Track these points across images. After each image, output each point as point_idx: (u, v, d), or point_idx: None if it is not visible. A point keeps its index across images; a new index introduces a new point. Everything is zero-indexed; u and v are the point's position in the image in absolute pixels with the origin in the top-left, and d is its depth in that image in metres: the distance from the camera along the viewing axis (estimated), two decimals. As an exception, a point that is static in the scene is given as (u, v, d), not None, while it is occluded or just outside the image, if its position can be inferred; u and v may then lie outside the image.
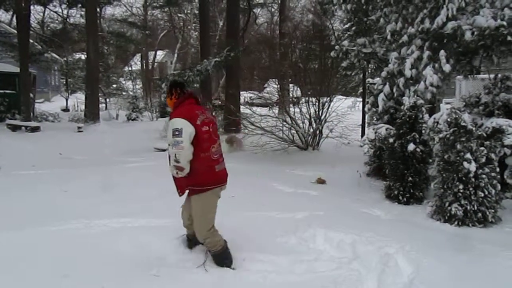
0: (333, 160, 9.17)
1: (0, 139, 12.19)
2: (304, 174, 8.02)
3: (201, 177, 3.54)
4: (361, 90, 12.78)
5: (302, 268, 3.75)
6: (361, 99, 13.14)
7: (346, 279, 3.55)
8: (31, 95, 17.22)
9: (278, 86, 12.69)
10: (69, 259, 3.76)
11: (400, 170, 6.21)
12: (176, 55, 38.63)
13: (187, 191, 3.72)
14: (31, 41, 18.69)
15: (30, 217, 4.95)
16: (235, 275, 3.56)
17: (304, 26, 23.56)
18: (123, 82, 33.60)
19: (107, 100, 27.84)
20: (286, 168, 8.63)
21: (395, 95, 6.90)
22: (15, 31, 18.53)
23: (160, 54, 43.90)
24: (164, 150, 3.56)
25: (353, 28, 9.69)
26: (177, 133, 3.37)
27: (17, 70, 16.35)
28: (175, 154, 3.39)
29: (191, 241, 3.98)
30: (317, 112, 10.52)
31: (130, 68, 38.49)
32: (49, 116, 18.97)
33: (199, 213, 3.67)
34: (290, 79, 12.73)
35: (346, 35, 10.08)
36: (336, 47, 8.94)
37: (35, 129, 14.07)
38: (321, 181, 7.45)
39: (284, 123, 10.67)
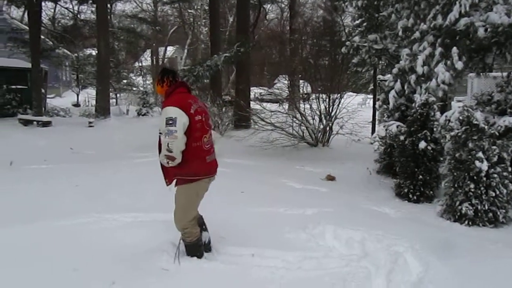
0: (343, 157, 9.15)
1: (12, 133, 12.34)
2: (313, 171, 8.02)
3: (191, 167, 3.51)
4: (371, 86, 12.71)
5: (311, 265, 3.75)
6: (371, 96, 13.07)
7: (355, 276, 3.54)
8: (43, 90, 17.40)
9: (288, 82, 12.66)
10: (79, 253, 3.81)
11: (411, 168, 6.18)
12: (186, 50, 38.73)
13: (174, 181, 3.67)
14: (42, 37, 18.83)
15: (40, 211, 5.02)
16: (244, 271, 3.57)
17: (315, 22, 23.52)
18: (134, 77, 33.73)
19: (118, 95, 27.98)
20: (295, 165, 8.63)
21: (406, 92, 6.84)
22: (27, 27, 18.70)
23: (170, 49, 44.07)
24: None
25: (364, 24, 9.64)
26: (170, 122, 3.34)
27: (29, 65, 16.51)
28: (167, 144, 3.35)
29: (205, 230, 3.98)
30: (327, 109, 10.49)
31: (140, 64, 38.70)
32: (60, 111, 19.14)
33: (183, 203, 3.64)
34: (300, 75, 12.70)
35: (357, 31, 10.03)
36: (347, 43, 8.90)
37: (46, 124, 14.20)
38: (330, 178, 7.44)
39: (294, 119, 10.66)
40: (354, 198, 6.23)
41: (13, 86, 16.49)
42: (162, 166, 3.65)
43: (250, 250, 3.92)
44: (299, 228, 4.57)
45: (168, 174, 3.65)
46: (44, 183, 6.52)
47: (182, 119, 3.37)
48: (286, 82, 12.83)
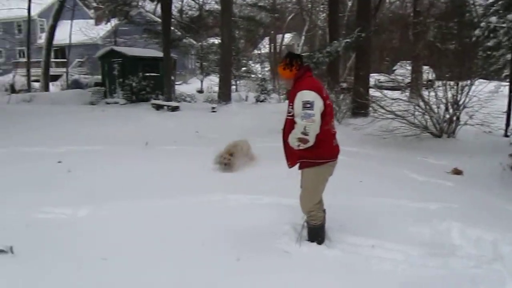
0: (471, 150, 8.44)
1: (146, 116, 13.67)
2: (437, 163, 7.54)
3: (319, 150, 3.53)
4: (506, 72, 11.43)
5: (435, 262, 3.57)
6: (507, 83, 11.76)
7: (486, 279, 3.29)
8: (172, 77, 18.88)
9: (411, 67, 11.98)
10: (206, 229, 4.13)
11: (556, 165, 5.49)
12: (303, 37, 38.74)
13: (297, 164, 3.71)
14: (172, 28, 20.32)
15: (175, 187, 5.52)
16: (365, 261, 3.54)
17: (441, 2, 21.73)
18: (252, 64, 34.77)
19: (237, 82, 29.15)
20: (417, 156, 8.19)
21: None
22: (159, 20, 20.37)
23: (287, 36, 44.44)
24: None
25: (500, 2, 8.66)
26: (308, 105, 3.37)
27: (161, 55, 18.04)
28: (304, 127, 3.38)
29: None
30: (454, 97, 9.71)
31: (259, 51, 39.73)
32: (187, 97, 20.65)
33: (310, 186, 3.69)
34: (424, 61, 11.94)
35: (492, 10, 9.07)
36: (482, 24, 8.11)
37: (175, 109, 15.43)
38: (457, 172, 6.93)
39: (417, 107, 10.08)
40: (484, 195, 5.72)
41: (148, 74, 18.20)
42: (286, 148, 3.74)
43: (370, 241, 3.87)
44: (422, 222, 4.37)
45: (292, 156, 3.72)
46: (176, 162, 7.12)
47: (319, 102, 3.42)
48: (408, 68, 12.19)
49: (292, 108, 3.52)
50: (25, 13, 26.70)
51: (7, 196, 5.10)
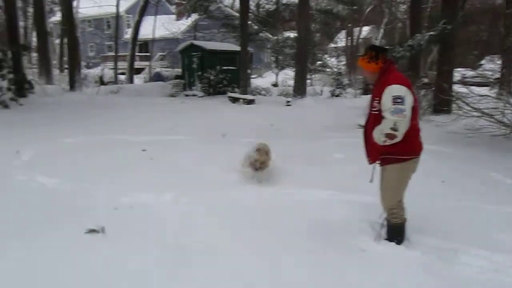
0: None
1: (223, 109, 14.05)
2: (531, 166, 6.97)
3: (405, 146, 3.42)
4: None
5: (526, 273, 3.33)
6: None
7: None
8: (248, 71, 19.19)
9: (501, 62, 11.14)
10: (281, 220, 4.18)
11: None
12: (382, 30, 37.49)
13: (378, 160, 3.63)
14: (249, 22, 20.62)
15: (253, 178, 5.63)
16: (448, 266, 3.39)
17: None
18: (328, 58, 34.29)
19: (312, 76, 28.92)
20: (507, 157, 7.64)
21: None
22: (237, 14, 20.75)
23: (365, 30, 43.26)
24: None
25: None
26: (399, 100, 3.27)
27: (238, 49, 18.40)
28: (395, 122, 3.28)
29: None
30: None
31: (335, 45, 39.08)
32: (262, 90, 20.89)
33: (393, 183, 3.58)
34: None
35: None
36: None
37: (250, 102, 15.69)
38: (552, 176, 6.36)
39: (507, 105, 9.36)
40: None
41: (225, 67, 18.65)
42: (367, 144, 3.68)
43: (452, 245, 3.69)
44: (510, 228, 4.09)
45: (374, 152, 3.64)
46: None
47: (409, 98, 3.33)
48: (498, 62, 11.34)
49: (378, 103, 3.43)
50: (114, 9, 28.53)
51: (98, 180, 5.51)
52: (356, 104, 14.77)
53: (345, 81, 23.53)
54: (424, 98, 12.40)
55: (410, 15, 17.57)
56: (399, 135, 3.33)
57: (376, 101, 3.47)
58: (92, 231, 3.85)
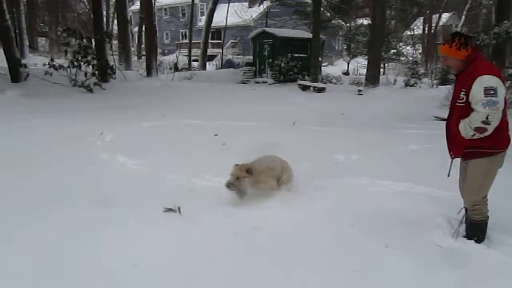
0: None
1: (293, 96, 14.04)
2: None
3: (493, 139, 3.21)
4: None
5: None
6: None
7: None
8: (320, 59, 18.95)
9: None
10: (356, 211, 4.12)
11: None
12: (463, 17, 35.26)
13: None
14: (321, 9, 20.30)
15: (324, 168, 5.59)
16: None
17: None
18: (403, 46, 32.92)
19: (386, 65, 27.98)
20: None
21: None
22: (309, 1, 20.50)
23: (444, 16, 40.95)
24: (445, 120, 3.36)
25: None
26: (492, 92, 3.06)
27: (309, 36, 18.21)
28: (487, 115, 3.08)
29: None
30: None
31: (411, 33, 37.38)
32: (332, 78, 20.56)
33: (478, 178, 3.37)
34: None
35: None
36: None
37: (321, 90, 15.52)
38: None
39: None
40: None
41: (296, 55, 18.56)
42: (451, 137, 3.50)
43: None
44: None
45: (458, 146, 3.44)
46: (321, 143, 7.16)
47: (502, 90, 3.13)
48: None
49: (466, 94, 3.23)
50: (189, -2, 29.33)
51: (173, 162, 5.76)
52: (432, 95, 14.12)
53: (421, 70, 22.47)
54: (509, 91, 11.54)
55: (497, 1, 16.36)
56: (490, 129, 3.14)
57: (462, 93, 3.27)
58: (169, 210, 4.03)
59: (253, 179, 4.41)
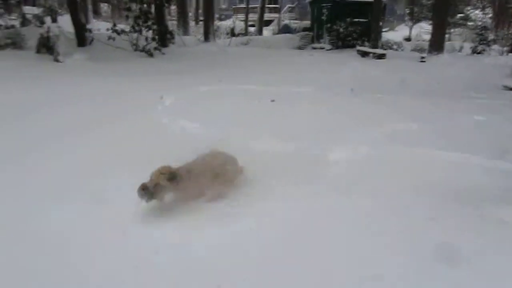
0: None
1: (351, 62, 13.66)
2: None
3: None
4: None
5: None
6: None
7: None
8: (380, 23, 18.20)
9: None
10: (406, 184, 4.04)
11: None
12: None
13: None
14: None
15: (381, 136, 5.49)
16: None
17: None
18: (470, 10, 30.83)
19: (451, 30, 26.43)
20: None
21: None
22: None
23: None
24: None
25: None
26: None
27: (371, -1, 17.44)
28: None
29: None
30: None
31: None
32: (393, 44, 19.75)
33: None
34: None
35: None
36: None
37: (381, 56, 14.99)
38: None
39: None
40: None
41: (355, 19, 17.93)
42: None
43: None
44: None
45: None
46: (380, 110, 6.97)
47: None
48: None
49: None
50: (246, -39, 28.87)
51: (231, 127, 5.85)
52: (501, 62, 13.26)
53: (490, 36, 21.02)
54: None
55: None
56: None
57: None
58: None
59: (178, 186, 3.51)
